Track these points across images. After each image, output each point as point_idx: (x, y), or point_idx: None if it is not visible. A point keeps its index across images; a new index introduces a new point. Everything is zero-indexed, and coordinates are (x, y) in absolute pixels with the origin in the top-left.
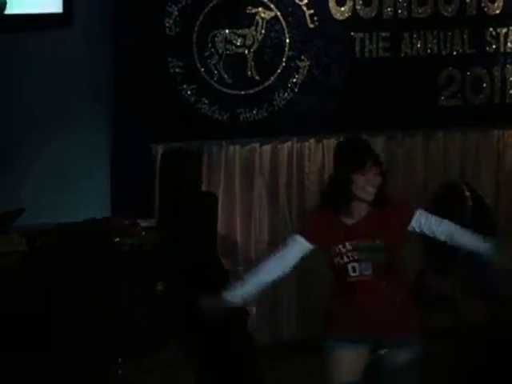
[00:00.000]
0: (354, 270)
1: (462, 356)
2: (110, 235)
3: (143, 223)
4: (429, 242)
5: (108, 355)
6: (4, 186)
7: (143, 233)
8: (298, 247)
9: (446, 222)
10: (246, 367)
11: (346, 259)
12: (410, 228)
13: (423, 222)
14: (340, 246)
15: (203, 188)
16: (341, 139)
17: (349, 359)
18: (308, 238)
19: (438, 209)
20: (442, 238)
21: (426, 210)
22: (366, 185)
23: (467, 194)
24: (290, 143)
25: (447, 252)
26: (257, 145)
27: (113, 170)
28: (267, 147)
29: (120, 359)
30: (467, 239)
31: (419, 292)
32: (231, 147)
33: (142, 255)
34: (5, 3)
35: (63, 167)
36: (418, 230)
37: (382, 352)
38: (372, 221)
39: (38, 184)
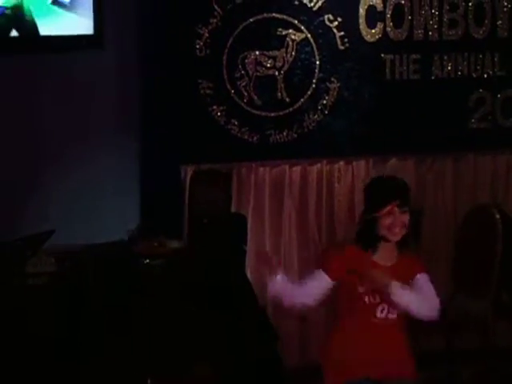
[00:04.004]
0: (382, 311)
1: (491, 380)
2: (138, 257)
3: (172, 245)
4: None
5: (136, 376)
6: (33, 206)
7: (172, 254)
8: (321, 283)
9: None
10: None
11: (378, 299)
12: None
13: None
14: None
15: (233, 209)
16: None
17: None
18: (330, 274)
19: (468, 233)
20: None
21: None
22: (391, 225)
23: (497, 217)
24: (319, 165)
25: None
26: (286, 166)
27: (142, 191)
28: (297, 169)
29: (149, 380)
30: None
31: (449, 315)
32: (261, 169)
33: (170, 276)
34: None
35: (91, 188)
36: None
37: None
38: (400, 263)
39: (66, 205)
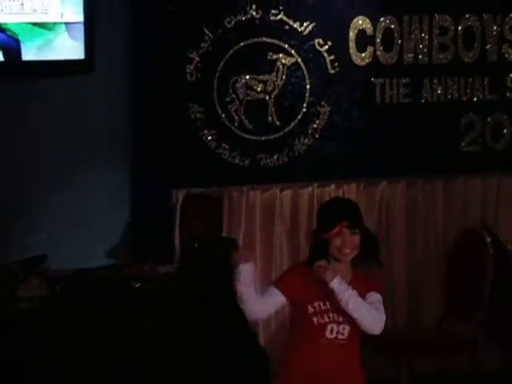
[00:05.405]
0: (331, 331)
1: None
2: (129, 281)
3: (163, 269)
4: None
5: None
6: (24, 231)
7: (163, 278)
8: (274, 298)
9: None
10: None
11: (326, 319)
12: None
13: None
14: (319, 304)
15: (224, 233)
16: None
17: None
18: (282, 291)
19: (459, 255)
20: None
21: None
22: (341, 246)
23: (488, 240)
24: (310, 188)
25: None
26: (277, 190)
27: (133, 215)
28: (288, 192)
29: None
30: None
31: (440, 336)
32: (251, 193)
33: (162, 301)
34: None
35: (82, 212)
36: None
37: None
38: (354, 282)
39: (57, 229)
